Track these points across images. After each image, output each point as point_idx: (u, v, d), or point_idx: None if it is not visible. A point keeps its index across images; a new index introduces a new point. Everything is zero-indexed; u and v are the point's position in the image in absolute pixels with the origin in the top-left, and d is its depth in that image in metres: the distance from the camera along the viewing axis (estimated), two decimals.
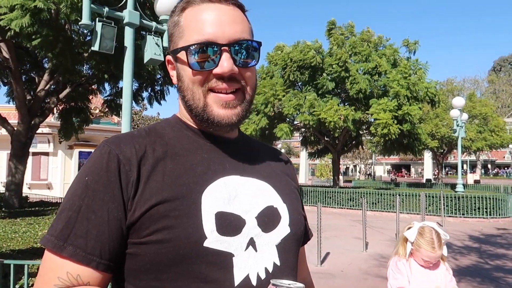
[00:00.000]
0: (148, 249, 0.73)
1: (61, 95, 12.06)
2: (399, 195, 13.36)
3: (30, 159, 14.17)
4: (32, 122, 11.77)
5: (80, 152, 20.18)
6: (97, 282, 0.74)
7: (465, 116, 16.96)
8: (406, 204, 14.82)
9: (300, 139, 23.64)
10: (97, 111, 17.10)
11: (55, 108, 13.01)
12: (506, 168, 54.50)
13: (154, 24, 5.40)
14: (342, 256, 7.78)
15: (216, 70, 0.80)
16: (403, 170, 61.56)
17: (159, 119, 35.53)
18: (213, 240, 0.74)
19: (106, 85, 13.38)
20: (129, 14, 5.08)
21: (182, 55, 0.83)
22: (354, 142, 21.32)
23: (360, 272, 6.65)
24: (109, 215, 0.74)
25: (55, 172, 20.17)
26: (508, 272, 6.78)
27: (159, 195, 0.75)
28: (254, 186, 0.85)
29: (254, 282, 0.75)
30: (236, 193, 0.81)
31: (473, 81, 58.48)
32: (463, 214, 13.69)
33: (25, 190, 15.74)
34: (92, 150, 0.82)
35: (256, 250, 0.78)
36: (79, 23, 5.15)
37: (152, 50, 5.13)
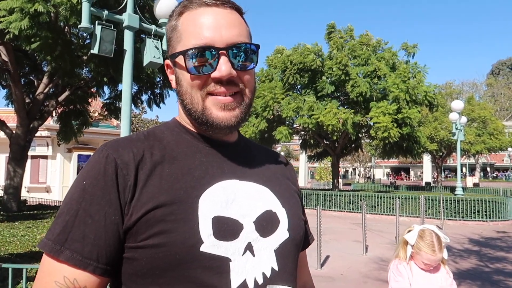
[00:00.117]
0: (145, 253, 0.73)
1: (60, 98, 12.06)
2: (399, 198, 13.33)
3: (28, 162, 14.16)
4: (31, 125, 11.77)
5: (79, 156, 20.13)
6: (94, 286, 0.74)
7: (464, 119, 16.99)
8: (405, 207, 14.79)
9: (300, 142, 23.66)
10: (96, 114, 17.09)
11: (54, 111, 13.00)
12: (505, 171, 54.56)
13: (153, 27, 5.41)
14: (342, 259, 7.76)
15: (214, 74, 0.79)
16: (402, 173, 61.57)
17: (158, 123, 35.50)
18: (210, 244, 0.74)
19: (106, 88, 13.43)
20: (128, 17, 5.09)
21: (180, 59, 0.82)
22: (353, 145, 21.33)
23: (360, 275, 6.63)
24: (106, 220, 0.74)
25: (53, 176, 20.11)
26: (508, 275, 6.76)
27: (156, 200, 0.75)
28: (253, 190, 0.85)
29: (251, 287, 0.75)
30: (234, 197, 0.80)
31: (472, 84, 58.58)
32: (462, 217, 13.67)
33: (24, 194, 15.70)
34: (91, 154, 0.82)
35: (253, 255, 0.78)
36: (79, 26, 5.16)
37: (152, 53, 5.14)
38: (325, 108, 16.32)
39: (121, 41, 5.31)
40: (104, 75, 10.73)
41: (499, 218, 13.44)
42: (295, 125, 19.47)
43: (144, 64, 5.30)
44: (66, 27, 10.01)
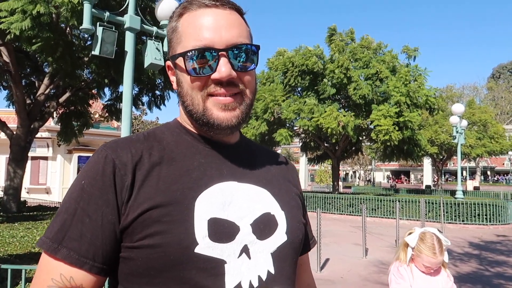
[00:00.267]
0: (140, 253, 0.73)
1: (61, 99, 12.07)
2: (399, 201, 13.32)
3: (29, 163, 14.15)
4: (32, 126, 11.77)
5: (79, 157, 20.14)
6: (90, 285, 0.75)
7: (464, 122, 16.96)
8: (405, 210, 14.78)
9: (300, 144, 23.65)
10: (97, 115, 17.11)
11: (54, 112, 13.02)
12: (505, 175, 54.50)
13: (154, 29, 5.42)
14: (342, 262, 7.74)
15: (214, 76, 0.79)
16: (402, 176, 61.52)
17: (159, 124, 35.38)
18: (205, 246, 0.73)
19: (106, 90, 13.41)
20: (130, 19, 5.10)
21: (180, 61, 0.82)
22: (353, 148, 21.33)
23: (359, 278, 6.61)
24: (103, 219, 0.74)
25: (54, 177, 20.11)
26: (508, 279, 6.74)
27: (152, 200, 0.75)
28: (252, 192, 0.84)
29: None
30: (231, 199, 0.80)
31: (473, 88, 58.67)
32: (462, 221, 13.65)
33: (24, 195, 15.71)
34: (91, 155, 0.83)
35: (249, 258, 0.77)
36: (80, 27, 5.16)
37: (153, 55, 5.14)
38: (325, 111, 16.33)
39: (122, 42, 5.32)
40: (105, 76, 10.74)
41: (499, 221, 13.42)
42: (295, 128, 19.48)
43: (145, 65, 5.31)
44: (67, 28, 10.03)
